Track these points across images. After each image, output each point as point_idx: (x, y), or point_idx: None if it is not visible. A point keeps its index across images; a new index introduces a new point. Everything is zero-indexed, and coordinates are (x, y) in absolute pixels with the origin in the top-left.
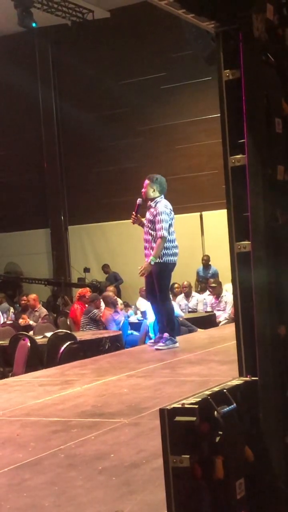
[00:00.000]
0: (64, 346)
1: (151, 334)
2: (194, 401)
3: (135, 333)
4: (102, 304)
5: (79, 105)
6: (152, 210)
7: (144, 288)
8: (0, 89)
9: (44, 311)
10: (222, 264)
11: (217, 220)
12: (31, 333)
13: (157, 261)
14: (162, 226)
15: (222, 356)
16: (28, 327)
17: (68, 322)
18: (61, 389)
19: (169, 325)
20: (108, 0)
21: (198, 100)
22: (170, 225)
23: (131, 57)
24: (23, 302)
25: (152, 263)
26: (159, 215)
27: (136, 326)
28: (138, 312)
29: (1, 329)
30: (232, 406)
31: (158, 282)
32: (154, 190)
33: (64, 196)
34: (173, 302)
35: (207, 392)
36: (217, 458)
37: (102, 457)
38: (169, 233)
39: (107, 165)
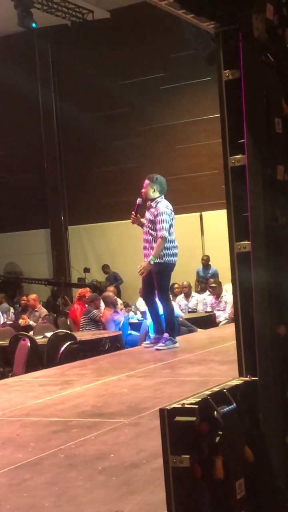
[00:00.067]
0: (64, 346)
1: (151, 334)
2: (194, 401)
3: (134, 333)
4: (102, 304)
5: (79, 105)
6: (153, 210)
7: None
8: (0, 89)
9: (44, 311)
10: (222, 264)
11: (217, 220)
12: (31, 333)
13: (156, 261)
14: (163, 227)
15: (222, 356)
16: (28, 327)
17: (68, 322)
18: (61, 389)
19: (169, 325)
20: (108, 0)
21: (198, 100)
22: (170, 226)
23: (131, 57)
24: (23, 302)
25: (152, 262)
26: (160, 215)
27: (136, 326)
28: (138, 312)
29: (1, 329)
30: (232, 406)
31: (158, 282)
32: (154, 190)
33: (64, 196)
34: (173, 302)
35: (207, 392)
36: (217, 458)
37: (102, 457)
38: (169, 233)
39: (107, 165)
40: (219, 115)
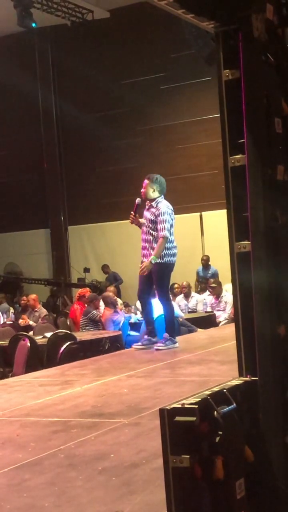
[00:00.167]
0: (64, 346)
1: None
2: (194, 401)
3: (134, 333)
4: (102, 304)
5: (79, 105)
6: (153, 210)
7: None
8: (0, 89)
9: (44, 311)
10: (222, 264)
11: (217, 220)
12: (31, 333)
13: (158, 261)
14: (164, 227)
15: (222, 356)
16: (28, 327)
17: (68, 322)
18: (61, 389)
19: (169, 325)
20: (108, 0)
21: (198, 100)
22: (171, 226)
23: (131, 57)
24: (23, 302)
25: (153, 262)
26: (161, 215)
27: (136, 326)
28: (138, 312)
29: (1, 329)
30: (232, 406)
31: (158, 282)
32: (154, 190)
33: (64, 196)
34: (172, 303)
35: (207, 392)
36: (217, 458)
37: (102, 457)
38: (170, 233)
39: (107, 165)
40: (219, 115)
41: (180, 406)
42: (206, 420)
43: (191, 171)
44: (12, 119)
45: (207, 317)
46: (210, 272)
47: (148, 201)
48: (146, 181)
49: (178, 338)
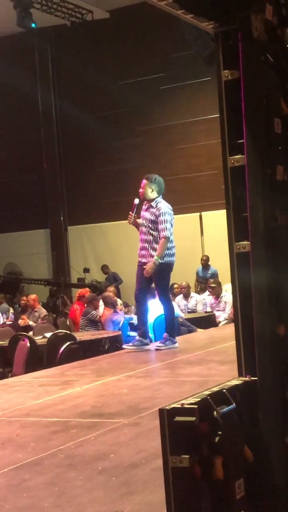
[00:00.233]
0: (64, 346)
1: (151, 335)
2: (194, 401)
3: (134, 334)
4: (101, 304)
5: (78, 105)
6: (153, 210)
7: None
8: (0, 89)
9: (43, 312)
10: (221, 264)
11: (216, 221)
12: (30, 333)
13: (160, 261)
14: (166, 227)
15: (221, 356)
16: (27, 328)
17: (68, 323)
18: (60, 389)
19: (169, 325)
20: (108, 0)
21: (198, 100)
22: (171, 226)
23: (131, 57)
24: (22, 302)
25: (157, 263)
26: (162, 215)
27: (136, 327)
28: None
29: (1, 329)
30: (231, 406)
31: (159, 282)
32: (152, 190)
33: (64, 197)
34: (172, 303)
35: (207, 392)
36: (217, 458)
37: (101, 457)
38: (170, 233)
39: (107, 165)
40: (218, 115)
41: (179, 406)
42: (205, 420)
43: (191, 171)
44: (12, 119)
45: (206, 317)
46: (209, 272)
47: (146, 202)
48: (144, 181)
49: (177, 338)
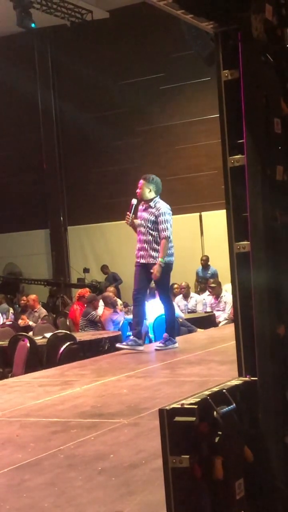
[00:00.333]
0: (64, 346)
1: (151, 335)
2: (194, 401)
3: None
4: (101, 304)
5: (78, 105)
6: (152, 210)
7: None
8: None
9: (43, 312)
10: (221, 264)
11: (216, 221)
12: (30, 333)
13: (165, 261)
14: (166, 227)
15: (221, 357)
16: (27, 328)
17: (68, 323)
18: (60, 389)
19: (169, 325)
20: (107, 0)
21: (198, 100)
22: (170, 226)
23: (131, 57)
24: (22, 302)
25: (163, 265)
26: (162, 216)
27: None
28: None
29: (1, 329)
30: (231, 406)
31: (159, 283)
32: (150, 191)
33: (64, 197)
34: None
35: (207, 392)
36: (217, 458)
37: (101, 457)
38: (170, 233)
39: (107, 165)
40: (218, 115)
41: (179, 406)
42: (205, 420)
43: (190, 171)
44: (12, 120)
45: (206, 317)
46: (209, 272)
47: (144, 202)
48: (141, 182)
49: (177, 338)
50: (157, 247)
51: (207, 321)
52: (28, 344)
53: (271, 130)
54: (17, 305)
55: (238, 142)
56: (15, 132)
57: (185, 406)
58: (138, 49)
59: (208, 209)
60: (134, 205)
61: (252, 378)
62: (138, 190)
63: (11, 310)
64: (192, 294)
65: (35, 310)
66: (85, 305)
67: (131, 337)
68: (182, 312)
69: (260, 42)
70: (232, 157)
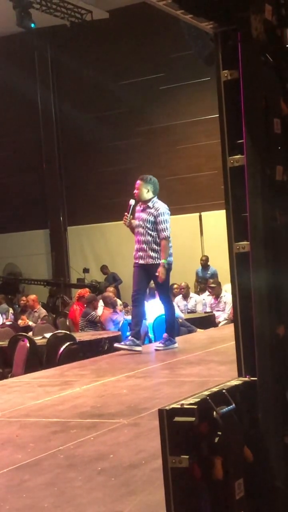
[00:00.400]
0: (64, 347)
1: (151, 335)
2: (193, 402)
3: None
4: (101, 304)
5: (78, 105)
6: (151, 210)
7: None
8: None
9: (43, 312)
10: (221, 264)
11: (216, 221)
12: (30, 334)
13: (167, 261)
14: (166, 227)
15: (221, 357)
16: (27, 328)
17: (68, 323)
18: (60, 389)
19: (169, 326)
20: (107, 0)
21: (198, 100)
22: (169, 226)
23: (131, 57)
24: (22, 302)
25: (166, 266)
26: (161, 216)
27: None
28: None
29: (1, 330)
30: (231, 406)
31: (159, 283)
32: (148, 191)
33: (63, 197)
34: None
35: (206, 393)
36: (216, 458)
37: (101, 457)
38: (169, 233)
39: (107, 166)
40: (218, 115)
41: (179, 406)
42: (205, 420)
43: (190, 172)
44: (12, 120)
45: (206, 317)
46: (209, 272)
47: (141, 202)
48: (139, 182)
49: (177, 339)
50: (156, 247)
51: (207, 321)
52: (28, 344)
53: (271, 130)
54: (17, 305)
55: (238, 142)
56: (15, 132)
57: (185, 406)
58: (138, 49)
59: (208, 209)
60: (132, 206)
61: (252, 378)
62: (135, 191)
63: (11, 310)
64: (192, 294)
65: (35, 310)
66: (85, 305)
67: (129, 337)
68: (182, 312)
69: (260, 42)
70: (231, 157)
